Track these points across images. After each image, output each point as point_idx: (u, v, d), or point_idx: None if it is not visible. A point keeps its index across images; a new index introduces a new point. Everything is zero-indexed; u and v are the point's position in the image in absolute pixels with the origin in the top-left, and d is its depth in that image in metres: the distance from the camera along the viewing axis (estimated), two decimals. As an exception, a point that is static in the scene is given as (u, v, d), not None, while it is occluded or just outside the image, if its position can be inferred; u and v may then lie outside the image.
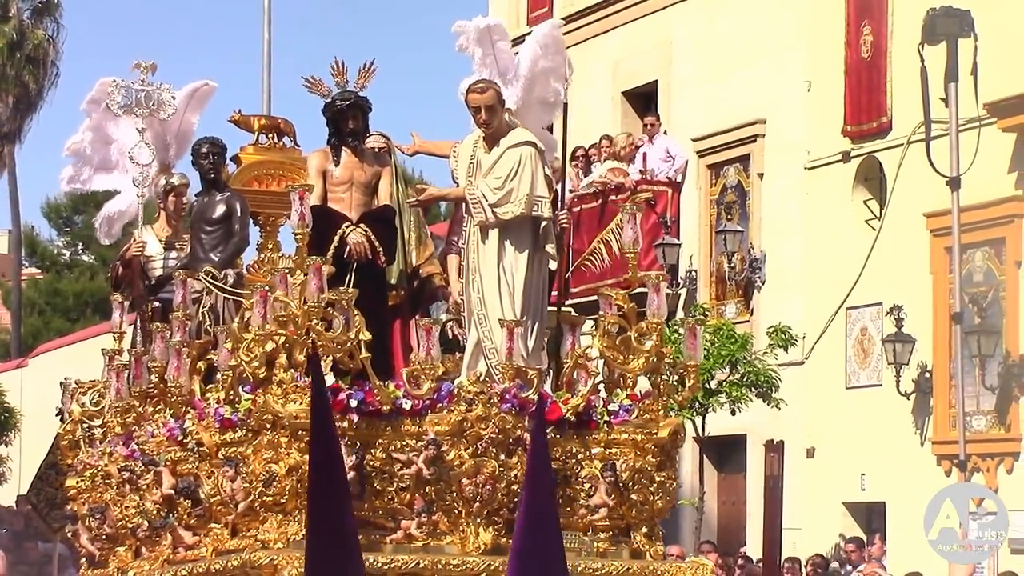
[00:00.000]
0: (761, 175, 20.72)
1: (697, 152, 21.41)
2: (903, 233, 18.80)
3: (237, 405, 9.94)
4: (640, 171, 21.43)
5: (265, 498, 9.68)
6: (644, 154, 21.54)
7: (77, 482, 11.63)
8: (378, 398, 9.77)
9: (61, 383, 12.47)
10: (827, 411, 19.62)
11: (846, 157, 19.66)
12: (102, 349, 11.80)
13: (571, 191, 21.40)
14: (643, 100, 22.79)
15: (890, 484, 18.79)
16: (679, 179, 21.40)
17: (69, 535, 11.61)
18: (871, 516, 19.32)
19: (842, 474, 19.30)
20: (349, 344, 9.69)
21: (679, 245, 21.05)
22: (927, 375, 18.56)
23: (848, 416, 19.28)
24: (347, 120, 10.54)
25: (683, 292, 21.09)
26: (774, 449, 14.24)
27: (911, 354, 18.55)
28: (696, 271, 21.12)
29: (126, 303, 11.88)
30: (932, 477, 18.24)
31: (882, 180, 19.38)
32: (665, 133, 21.81)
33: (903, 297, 18.57)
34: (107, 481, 11.22)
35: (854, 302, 19.40)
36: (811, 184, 20.10)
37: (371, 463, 9.77)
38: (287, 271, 9.83)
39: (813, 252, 20.02)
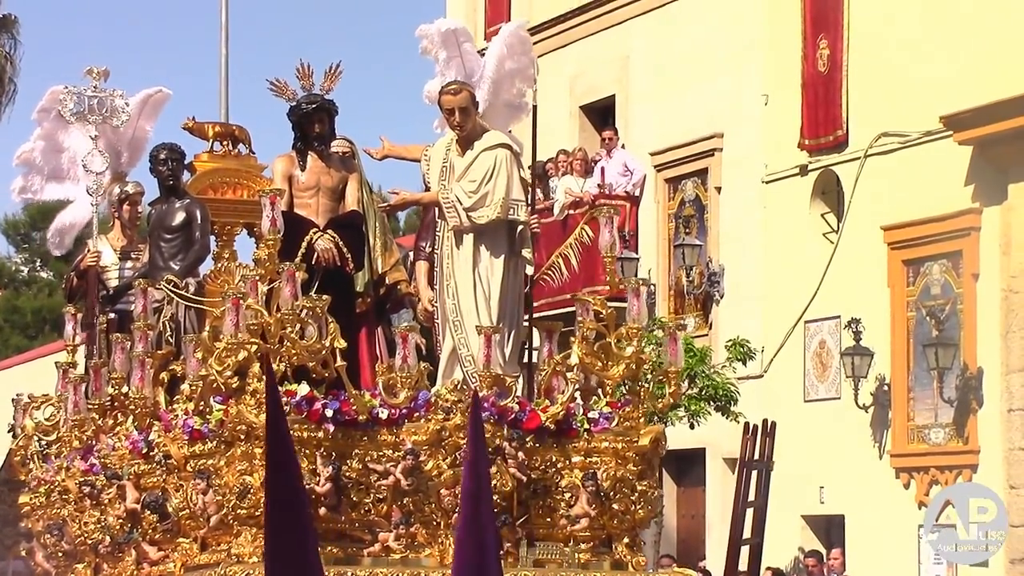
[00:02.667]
0: (719, 189, 20.49)
1: (655, 166, 21.16)
2: (860, 246, 18.60)
3: (208, 416, 9.47)
4: (598, 185, 21.10)
5: (239, 511, 9.26)
6: (602, 168, 21.22)
7: (31, 499, 11.13)
8: (354, 407, 9.36)
9: (13, 399, 11.98)
10: (786, 424, 19.16)
11: (803, 171, 19.46)
12: (56, 362, 11.28)
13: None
14: (601, 114, 22.50)
15: (849, 497, 18.56)
16: (637, 193, 21.11)
17: (24, 553, 11.07)
18: (830, 529, 19.08)
19: (801, 487, 19.02)
20: (324, 352, 9.26)
21: (637, 259, 20.72)
22: (885, 388, 18.33)
23: (807, 429, 19.01)
24: (313, 124, 10.14)
25: (641, 306, 20.74)
26: (755, 431, 13.45)
27: (869, 367, 18.31)
28: (655, 285, 20.81)
29: (79, 315, 11.36)
30: (891, 490, 18.07)
31: (839, 193, 19.18)
32: (623, 147, 21.51)
33: (861, 310, 18.34)
34: (64, 497, 10.74)
35: (812, 315, 19.18)
36: (769, 198, 19.88)
37: (347, 474, 9.38)
38: (257, 278, 9.39)
39: (771, 265, 19.78)
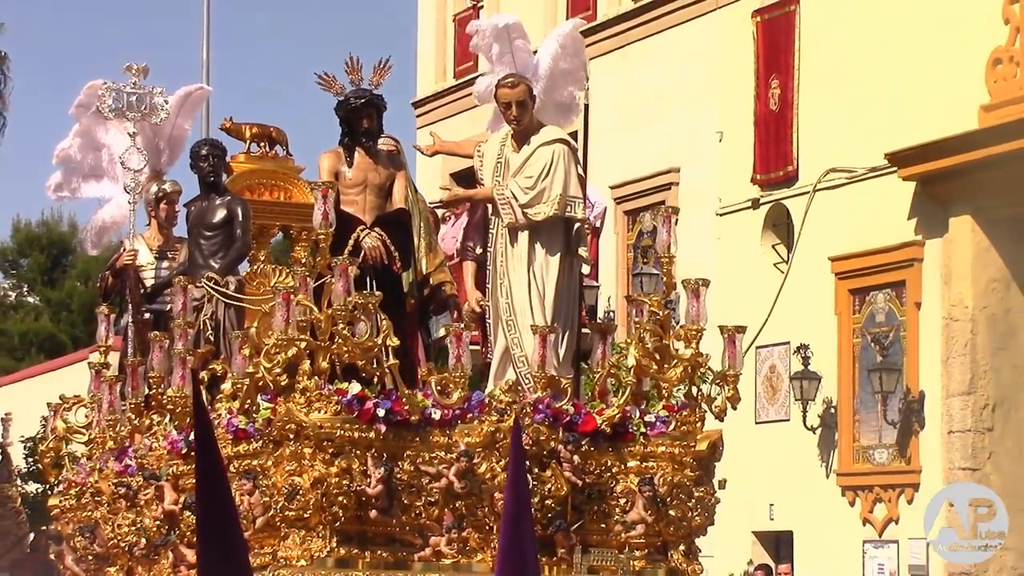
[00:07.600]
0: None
1: (615, 199, 20.29)
2: (809, 276, 17.94)
3: (254, 415, 8.27)
4: (560, 216, 20.17)
5: (287, 512, 8.06)
6: (565, 200, 20.26)
7: (61, 501, 9.84)
8: (406, 407, 8.18)
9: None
10: (738, 445, 18.28)
11: (755, 204, 18.75)
12: (89, 363, 9.99)
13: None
14: (563, 149, 21.53)
15: (797, 514, 17.83)
16: (598, 224, 20.11)
17: (53, 556, 9.75)
18: (779, 544, 18.36)
19: (752, 504, 18.23)
20: (376, 350, 8.11)
21: (598, 287, 19.74)
22: (832, 411, 17.64)
23: (758, 449, 18.25)
24: (361, 119, 9.01)
25: (601, 331, 19.82)
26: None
27: (817, 390, 17.64)
28: (614, 312, 19.90)
29: (112, 316, 10.07)
30: (837, 507, 17.38)
31: (789, 226, 18.49)
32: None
33: (809, 336, 17.67)
34: (97, 499, 9.44)
35: (763, 341, 18.40)
36: (722, 229, 19.11)
37: (399, 476, 8.21)
38: (307, 273, 8.24)
39: (724, 294, 18.90)
